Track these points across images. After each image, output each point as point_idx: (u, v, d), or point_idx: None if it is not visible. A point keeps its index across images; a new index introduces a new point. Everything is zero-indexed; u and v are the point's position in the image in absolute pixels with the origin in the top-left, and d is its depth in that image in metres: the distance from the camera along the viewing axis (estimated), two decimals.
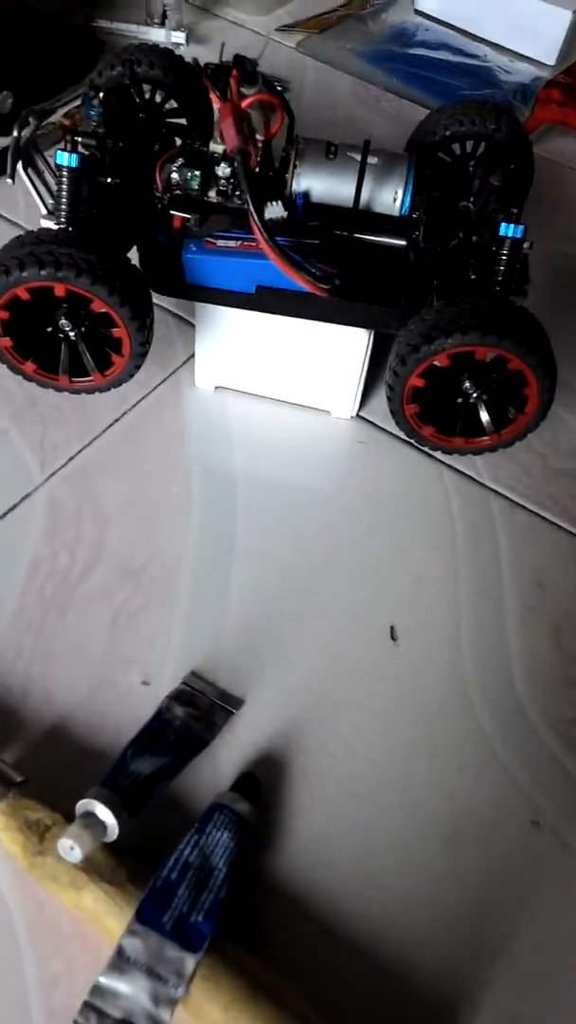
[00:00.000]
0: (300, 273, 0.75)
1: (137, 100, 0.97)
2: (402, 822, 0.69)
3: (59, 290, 0.70)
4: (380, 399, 0.97)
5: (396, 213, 0.84)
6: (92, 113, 0.83)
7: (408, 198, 0.84)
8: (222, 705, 0.70)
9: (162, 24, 1.44)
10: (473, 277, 0.82)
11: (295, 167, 0.83)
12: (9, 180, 0.78)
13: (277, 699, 0.74)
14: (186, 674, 0.73)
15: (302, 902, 0.64)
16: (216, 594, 0.80)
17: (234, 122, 0.74)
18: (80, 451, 0.89)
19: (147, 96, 0.98)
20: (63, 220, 0.78)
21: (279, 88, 0.86)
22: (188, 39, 1.45)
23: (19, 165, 0.81)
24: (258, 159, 0.77)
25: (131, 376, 0.78)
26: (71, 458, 0.88)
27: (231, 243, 0.81)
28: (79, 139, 0.77)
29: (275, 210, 0.81)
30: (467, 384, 0.77)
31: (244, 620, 0.79)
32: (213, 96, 0.79)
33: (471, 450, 0.82)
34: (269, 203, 0.80)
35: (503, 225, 0.78)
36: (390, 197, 0.84)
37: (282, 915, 0.63)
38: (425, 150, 0.96)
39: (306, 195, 0.84)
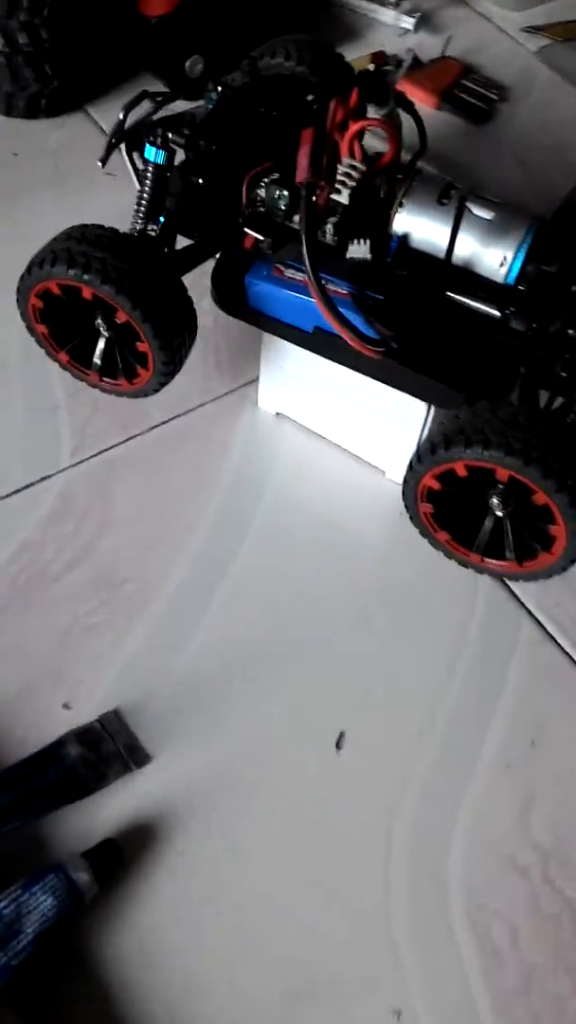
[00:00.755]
0: (346, 329, 0.67)
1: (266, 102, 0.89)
2: (253, 953, 0.62)
3: (86, 292, 0.67)
4: None
5: (499, 280, 0.73)
6: (210, 105, 0.79)
7: (518, 266, 0.72)
8: (125, 758, 0.67)
9: (397, 4, 1.35)
10: (563, 375, 0.70)
11: (400, 205, 0.74)
12: (99, 164, 0.75)
13: (187, 770, 0.69)
14: (108, 710, 0.70)
15: (113, 1000, 0.60)
16: (179, 634, 0.76)
17: (311, 151, 0.66)
18: (116, 445, 0.87)
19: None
20: (138, 221, 0.74)
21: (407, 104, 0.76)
22: (419, 25, 1.35)
23: (123, 150, 0.78)
24: (329, 196, 0.68)
25: (156, 391, 0.75)
26: (104, 450, 0.86)
27: (299, 275, 0.73)
28: (171, 135, 0.73)
29: (359, 250, 0.72)
30: (494, 500, 0.65)
31: (195, 671, 0.74)
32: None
33: (488, 571, 0.70)
34: (356, 241, 0.72)
35: None
36: (497, 260, 0.72)
37: (84, 1006, 0.59)
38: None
39: (404, 239, 0.74)
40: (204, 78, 1.18)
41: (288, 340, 0.77)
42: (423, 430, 0.80)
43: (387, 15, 1.35)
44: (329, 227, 0.71)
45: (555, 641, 0.78)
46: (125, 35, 1.17)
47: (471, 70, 1.29)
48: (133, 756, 0.67)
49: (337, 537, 0.83)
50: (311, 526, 0.84)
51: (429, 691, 0.74)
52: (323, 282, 0.72)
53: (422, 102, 1.24)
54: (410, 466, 0.66)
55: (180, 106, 0.81)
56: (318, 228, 0.67)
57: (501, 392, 0.72)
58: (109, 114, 1.17)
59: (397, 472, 0.85)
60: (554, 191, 1.15)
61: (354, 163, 0.71)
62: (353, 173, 0.71)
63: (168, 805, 0.67)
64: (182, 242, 0.80)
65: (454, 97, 1.23)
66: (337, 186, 0.70)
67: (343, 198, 0.71)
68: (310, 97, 0.82)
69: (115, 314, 0.68)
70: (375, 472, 0.87)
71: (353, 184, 0.70)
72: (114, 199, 0.94)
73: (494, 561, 0.68)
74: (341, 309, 0.71)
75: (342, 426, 0.87)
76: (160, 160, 0.74)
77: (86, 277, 0.65)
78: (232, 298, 0.78)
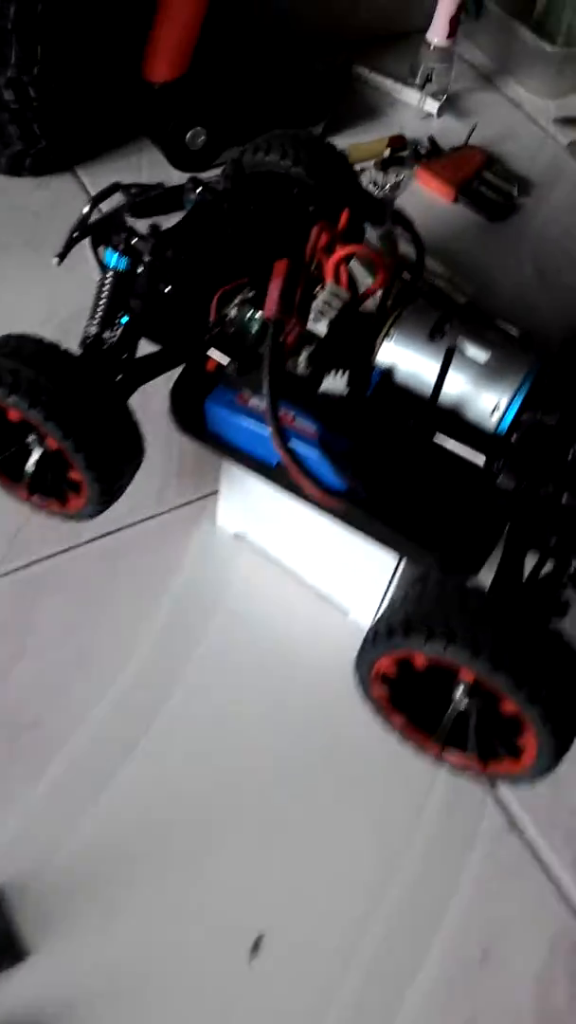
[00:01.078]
0: (304, 478, 0.59)
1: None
2: None
3: (12, 415, 0.59)
4: None
5: (490, 428, 0.64)
6: (186, 205, 0.71)
7: (511, 414, 0.63)
8: None
9: (422, 86, 1.28)
10: (551, 545, 0.61)
11: (387, 335, 0.66)
12: (55, 260, 0.67)
13: (65, 972, 0.58)
14: None
15: None
16: (84, 796, 0.66)
17: (282, 285, 0.57)
18: (50, 556, 0.78)
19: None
20: (88, 336, 0.66)
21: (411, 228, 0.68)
22: (445, 109, 1.28)
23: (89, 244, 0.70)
24: (300, 333, 0.60)
25: (92, 517, 0.66)
26: (35, 561, 0.77)
27: (261, 406, 0.65)
28: (135, 241, 0.65)
29: (335, 384, 0.64)
30: (457, 693, 0.56)
31: (96, 845, 0.64)
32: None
33: (446, 764, 0.61)
34: (333, 373, 0.64)
35: None
36: (489, 406, 0.64)
37: None
38: None
39: (388, 372, 0.66)
40: (206, 152, 1.12)
41: (249, 469, 0.68)
42: (393, 577, 0.71)
43: (412, 96, 1.28)
44: (303, 357, 0.63)
45: (521, 832, 0.68)
46: (126, 98, 1.11)
47: (494, 161, 1.22)
48: (6, 947, 0.57)
49: (286, 685, 0.73)
50: (258, 671, 0.74)
51: (369, 889, 0.64)
52: (290, 418, 0.64)
53: (438, 193, 1.17)
54: (364, 645, 0.56)
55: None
56: (284, 366, 0.59)
57: (480, 555, 0.63)
58: (99, 177, 1.10)
59: (362, 614, 0.76)
60: (573, 305, 1.08)
61: (337, 290, 0.63)
62: (334, 302, 0.62)
63: (43, 1013, 0.57)
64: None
65: (472, 190, 1.16)
66: (315, 315, 0.62)
67: (321, 327, 0.62)
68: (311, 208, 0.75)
69: (46, 439, 0.60)
70: (337, 611, 0.77)
71: (333, 314, 0.62)
72: (90, 272, 0.86)
73: (455, 756, 0.59)
74: (305, 451, 0.62)
75: (306, 557, 0.78)
76: (121, 267, 0.66)
77: (11, 399, 0.57)
78: (191, 418, 0.69)
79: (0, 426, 0.63)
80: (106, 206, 0.71)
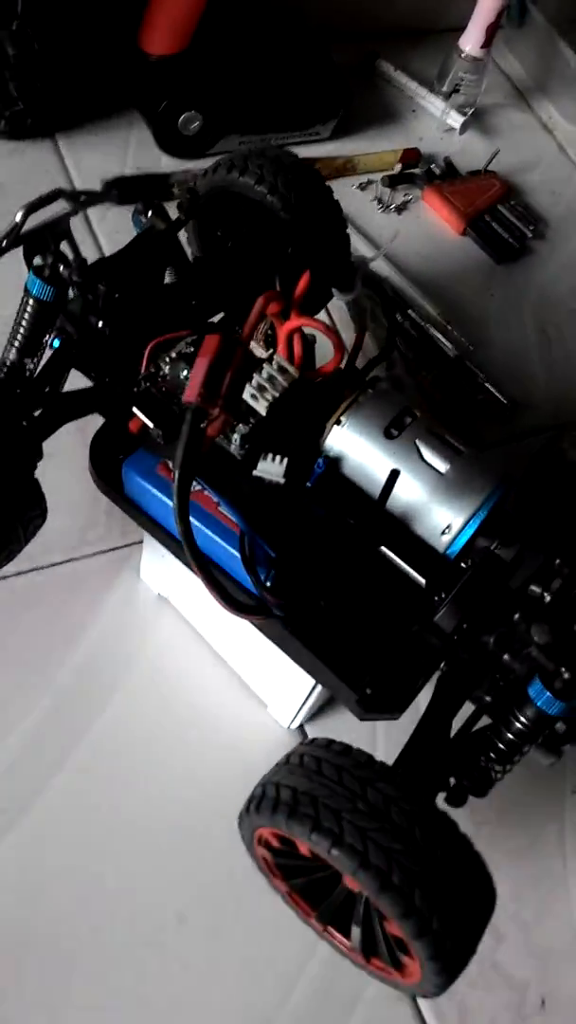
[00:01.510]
0: (213, 589, 0.51)
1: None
2: None
3: None
4: (338, 718, 0.71)
5: (439, 548, 0.56)
6: (136, 228, 0.62)
7: (463, 539, 0.55)
8: None
9: (448, 96, 1.17)
10: (486, 701, 0.54)
11: (339, 422, 0.57)
12: None
13: None
14: None
15: None
16: None
17: (210, 366, 0.49)
18: None
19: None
20: (4, 362, 0.57)
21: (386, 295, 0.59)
22: (470, 125, 1.17)
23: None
24: (223, 425, 0.51)
25: None
26: None
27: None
28: (63, 269, 0.56)
29: (272, 469, 0.55)
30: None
31: None
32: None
33: (330, 943, 0.54)
34: (269, 457, 0.55)
35: (535, 686, 0.49)
36: (441, 523, 0.56)
37: None
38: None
39: (335, 462, 0.58)
40: (199, 139, 1.01)
41: (162, 544, 0.60)
42: (313, 689, 0.63)
43: (436, 105, 1.17)
44: (236, 436, 0.55)
45: (414, 1000, 0.62)
46: (118, 66, 0.99)
47: (512, 193, 1.12)
48: None
49: (189, 772, 0.66)
50: (162, 749, 0.67)
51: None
52: (214, 504, 0.56)
53: (446, 221, 1.07)
54: (246, 806, 0.49)
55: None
56: (199, 457, 0.50)
57: (406, 697, 0.56)
58: (81, 150, 0.99)
59: (280, 714, 0.69)
60: (571, 378, 0.99)
61: (285, 366, 0.54)
62: (278, 380, 0.54)
63: None
64: None
65: (482, 225, 1.06)
66: (254, 392, 0.53)
67: (260, 407, 0.54)
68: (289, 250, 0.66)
69: None
70: (257, 701, 0.70)
71: (275, 394, 0.54)
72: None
73: (338, 936, 0.52)
74: (214, 545, 0.55)
75: (227, 641, 0.70)
76: (45, 296, 0.57)
77: None
78: (109, 477, 0.61)
79: None
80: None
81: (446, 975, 0.44)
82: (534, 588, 0.52)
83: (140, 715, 0.68)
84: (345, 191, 1.06)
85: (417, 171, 1.09)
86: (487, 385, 0.92)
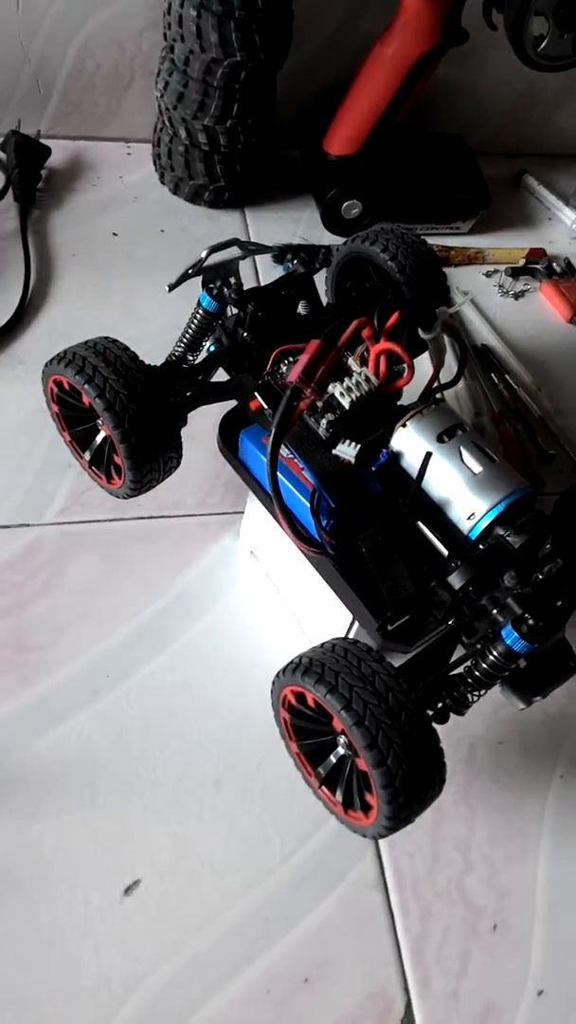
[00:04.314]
0: (284, 519, 0.70)
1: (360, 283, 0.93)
2: None
3: (85, 399, 0.74)
4: None
5: (463, 530, 0.73)
6: (284, 269, 0.84)
7: (482, 525, 0.72)
8: None
9: None
10: (477, 648, 0.69)
11: (404, 425, 0.76)
12: (167, 288, 0.82)
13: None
14: None
15: None
16: (37, 724, 0.79)
17: (311, 360, 0.69)
18: (99, 520, 0.93)
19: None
20: (174, 353, 0.81)
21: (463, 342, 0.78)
22: None
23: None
24: (312, 402, 0.71)
25: (128, 497, 0.80)
26: (86, 521, 0.92)
27: (284, 453, 0.77)
28: (225, 290, 0.79)
29: (346, 450, 0.74)
30: (341, 738, 0.65)
31: (18, 770, 0.76)
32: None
33: (321, 799, 0.70)
34: (346, 441, 0.74)
35: (507, 627, 0.64)
36: (467, 512, 0.73)
37: None
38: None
39: (395, 456, 0.76)
40: (357, 222, 1.26)
41: (257, 498, 0.80)
42: (348, 631, 0.81)
43: (568, 216, 1.36)
44: (324, 422, 0.74)
45: (386, 891, 0.76)
46: (302, 160, 1.26)
47: None
48: None
49: (242, 690, 0.85)
50: (223, 671, 0.86)
51: (228, 887, 0.74)
52: (299, 467, 0.75)
53: (557, 310, 1.24)
54: (279, 672, 0.67)
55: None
56: (290, 424, 0.70)
57: (417, 634, 0.72)
58: (262, 221, 1.26)
59: None
60: None
61: (369, 376, 0.74)
62: (364, 384, 0.74)
63: None
64: None
65: None
66: (343, 391, 0.73)
67: (345, 402, 0.74)
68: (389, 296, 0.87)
69: (102, 425, 0.75)
70: (308, 641, 0.88)
71: (358, 395, 0.73)
72: None
73: (328, 793, 0.68)
74: (296, 497, 0.74)
75: (294, 591, 0.89)
76: (211, 308, 0.80)
77: (86, 387, 0.72)
78: (229, 443, 0.82)
79: (79, 408, 0.79)
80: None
81: (394, 808, 0.59)
82: (507, 536, 0.68)
83: (217, 636, 0.87)
84: (472, 275, 1.26)
85: (539, 266, 1.28)
86: (561, 443, 1.08)
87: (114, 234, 1.19)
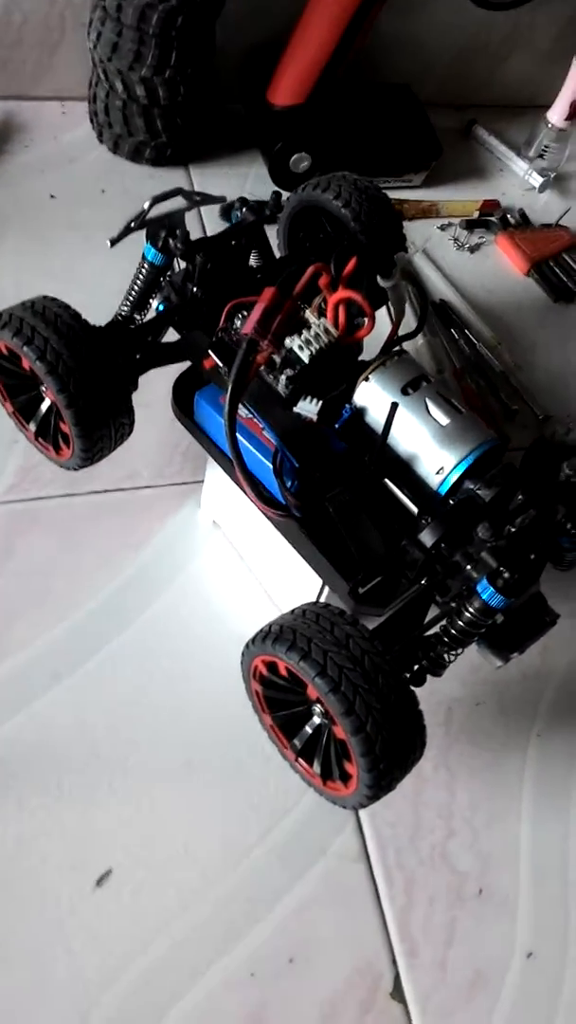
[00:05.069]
0: (246, 482, 0.66)
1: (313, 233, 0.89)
2: None
3: (25, 363, 0.69)
4: None
5: (432, 486, 0.70)
6: (232, 220, 0.80)
7: (451, 479, 0.69)
8: None
9: (532, 160, 1.33)
10: (451, 607, 0.66)
11: (367, 379, 0.72)
12: (108, 243, 0.77)
13: None
14: None
15: None
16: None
17: (265, 310, 0.65)
18: (50, 497, 0.88)
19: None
20: (120, 313, 0.76)
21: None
22: (549, 187, 1.32)
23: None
24: (270, 356, 0.67)
25: (78, 468, 0.75)
26: (36, 498, 0.87)
27: (242, 413, 0.73)
28: (171, 241, 0.74)
29: (307, 407, 0.70)
30: (316, 708, 0.62)
31: None
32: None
33: (299, 774, 0.67)
34: (307, 398, 0.71)
35: (482, 582, 0.61)
36: (436, 466, 0.69)
37: None
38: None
39: (359, 412, 0.72)
40: (306, 176, 1.21)
41: (217, 462, 0.76)
42: (320, 595, 0.77)
43: (520, 166, 1.33)
44: (283, 378, 0.71)
45: (368, 863, 0.74)
46: (246, 112, 1.20)
47: None
48: None
49: (209, 662, 0.81)
50: (190, 643, 0.82)
51: (210, 865, 0.71)
52: (259, 428, 0.71)
53: (513, 263, 1.22)
54: (248, 643, 0.63)
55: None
56: (248, 380, 0.66)
57: (390, 596, 0.69)
58: (208, 177, 1.20)
59: None
60: None
61: (328, 327, 0.70)
62: (322, 337, 0.70)
63: None
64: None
65: (545, 269, 1.20)
66: (301, 344, 0.69)
67: (304, 356, 0.70)
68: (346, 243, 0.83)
69: (46, 392, 0.70)
70: (277, 610, 0.84)
71: (317, 347, 0.69)
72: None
73: (304, 766, 0.65)
74: (257, 459, 0.70)
75: (260, 559, 0.85)
76: (156, 261, 0.75)
77: (25, 349, 0.67)
78: (184, 407, 0.78)
79: (20, 374, 0.74)
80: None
81: (375, 775, 0.56)
82: (477, 489, 0.65)
83: (181, 610, 0.83)
84: (426, 229, 1.23)
85: (493, 219, 1.24)
86: (524, 398, 1.05)
87: (52, 196, 1.12)
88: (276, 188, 1.20)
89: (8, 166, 1.14)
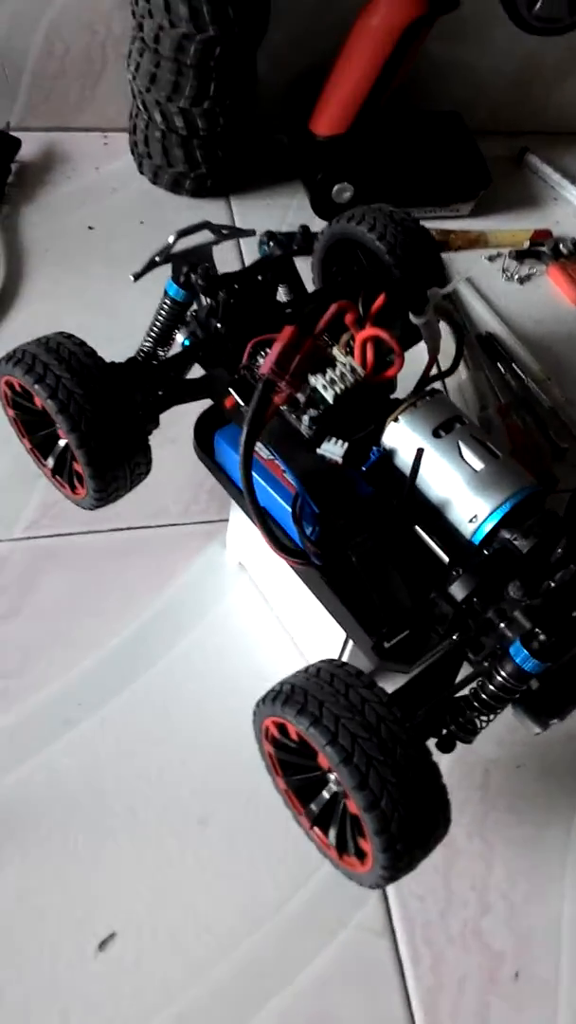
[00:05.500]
0: (261, 526, 0.62)
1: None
2: None
3: (37, 400, 0.66)
4: None
5: (465, 534, 0.65)
6: (262, 254, 0.77)
7: (485, 528, 0.64)
8: None
9: None
10: (484, 666, 0.61)
11: (396, 419, 0.68)
12: (132, 277, 0.75)
13: None
14: None
15: None
16: (7, 757, 0.72)
17: (284, 348, 0.61)
18: (72, 534, 0.85)
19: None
20: (143, 349, 0.74)
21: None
22: None
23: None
24: (294, 395, 0.64)
25: (93, 508, 0.73)
26: (58, 535, 0.85)
27: (264, 454, 0.69)
28: (192, 276, 0.71)
29: (332, 449, 0.67)
30: (332, 775, 0.58)
31: None
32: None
33: (313, 841, 0.62)
34: (332, 439, 0.67)
35: (516, 644, 0.56)
36: (469, 513, 0.65)
37: None
38: None
39: (388, 454, 0.68)
40: (349, 206, 1.18)
41: (238, 505, 0.73)
42: (344, 648, 0.73)
43: (574, 194, 1.28)
44: (307, 418, 0.67)
45: (394, 938, 0.68)
46: (289, 142, 1.18)
47: None
48: None
49: (232, 713, 0.77)
50: (213, 690, 0.78)
51: (226, 933, 0.67)
52: (280, 470, 0.68)
53: (562, 291, 1.16)
54: (258, 701, 0.59)
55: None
56: (265, 421, 0.63)
57: (417, 653, 0.65)
58: (249, 208, 1.18)
59: None
60: None
61: (355, 366, 0.66)
62: (349, 376, 0.66)
63: None
64: None
65: None
66: (326, 384, 0.66)
67: (329, 396, 0.66)
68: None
69: (59, 430, 0.67)
70: (304, 660, 0.80)
71: (342, 387, 0.66)
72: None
73: (320, 835, 0.60)
74: (277, 503, 0.67)
75: (285, 605, 0.81)
76: (178, 298, 0.73)
77: (36, 387, 0.64)
78: (205, 446, 0.75)
79: (36, 411, 0.72)
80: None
81: (391, 856, 0.51)
82: (514, 539, 0.60)
83: (202, 660, 0.80)
84: (473, 261, 1.18)
85: (545, 249, 1.19)
86: (574, 435, 1.00)
87: (90, 228, 1.12)
88: (304, 222, 1.17)
89: (50, 197, 1.14)
